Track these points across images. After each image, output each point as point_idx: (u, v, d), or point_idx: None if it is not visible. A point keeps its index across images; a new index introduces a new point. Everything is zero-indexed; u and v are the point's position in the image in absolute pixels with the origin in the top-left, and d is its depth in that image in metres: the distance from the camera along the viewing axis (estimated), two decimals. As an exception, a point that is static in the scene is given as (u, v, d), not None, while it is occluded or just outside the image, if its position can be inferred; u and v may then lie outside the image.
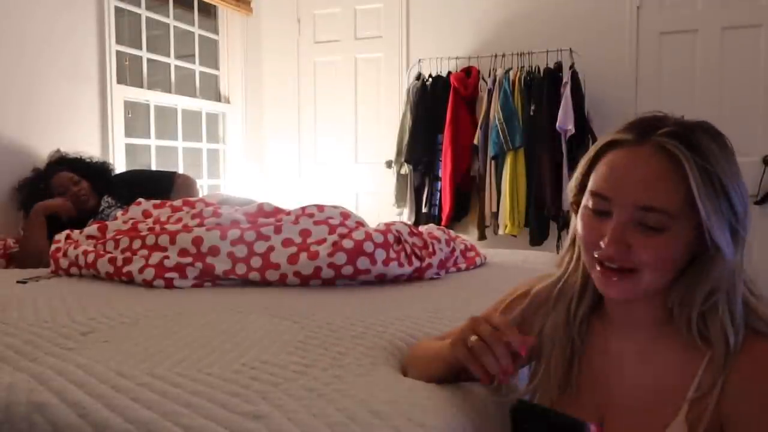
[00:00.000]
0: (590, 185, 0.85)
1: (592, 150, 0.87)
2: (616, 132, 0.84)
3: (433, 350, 0.99)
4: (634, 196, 0.79)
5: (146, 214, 2.09)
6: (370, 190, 4.14)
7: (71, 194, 2.64)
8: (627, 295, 0.84)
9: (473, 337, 0.84)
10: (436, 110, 3.64)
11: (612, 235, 0.80)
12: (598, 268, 0.84)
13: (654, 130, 0.81)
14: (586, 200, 0.85)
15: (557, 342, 0.93)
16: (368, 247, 1.72)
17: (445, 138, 3.60)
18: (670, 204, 0.78)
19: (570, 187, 0.91)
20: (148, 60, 3.66)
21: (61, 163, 2.77)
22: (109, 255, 1.82)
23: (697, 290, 0.82)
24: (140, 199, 2.19)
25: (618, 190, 0.81)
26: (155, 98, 3.66)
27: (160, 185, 2.76)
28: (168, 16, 3.82)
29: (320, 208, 1.96)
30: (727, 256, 0.79)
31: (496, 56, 3.64)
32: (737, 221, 0.80)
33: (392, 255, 1.77)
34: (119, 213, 2.18)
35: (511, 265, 2.19)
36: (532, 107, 3.43)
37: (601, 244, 0.82)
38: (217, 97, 4.25)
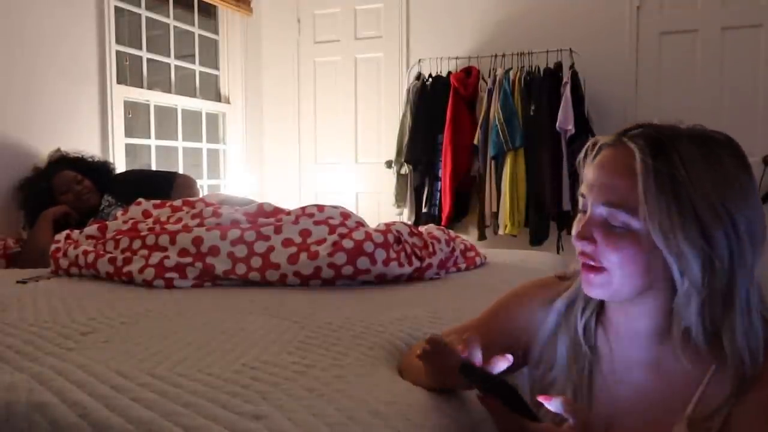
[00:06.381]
0: None
1: (582, 152, 0.88)
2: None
3: (417, 367, 0.98)
4: (598, 193, 0.81)
5: (146, 214, 2.09)
6: (370, 190, 4.14)
7: (74, 193, 2.64)
8: (602, 295, 0.85)
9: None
10: (436, 110, 3.64)
11: (578, 229, 0.83)
12: (580, 267, 0.86)
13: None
14: None
15: (573, 356, 0.93)
16: (368, 247, 1.72)
17: (445, 138, 3.60)
18: (628, 201, 0.78)
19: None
20: (148, 60, 3.66)
21: (63, 162, 2.77)
22: (109, 255, 1.82)
23: (686, 309, 0.80)
24: (140, 199, 2.18)
25: (590, 189, 0.83)
26: (155, 98, 3.66)
27: (160, 185, 2.75)
28: (168, 16, 3.82)
29: (320, 208, 1.96)
30: (675, 273, 0.77)
31: (496, 56, 3.64)
32: (709, 243, 0.75)
33: (392, 255, 1.77)
34: (119, 213, 2.18)
35: (511, 265, 2.19)
36: (532, 107, 3.43)
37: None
38: (217, 97, 4.25)
